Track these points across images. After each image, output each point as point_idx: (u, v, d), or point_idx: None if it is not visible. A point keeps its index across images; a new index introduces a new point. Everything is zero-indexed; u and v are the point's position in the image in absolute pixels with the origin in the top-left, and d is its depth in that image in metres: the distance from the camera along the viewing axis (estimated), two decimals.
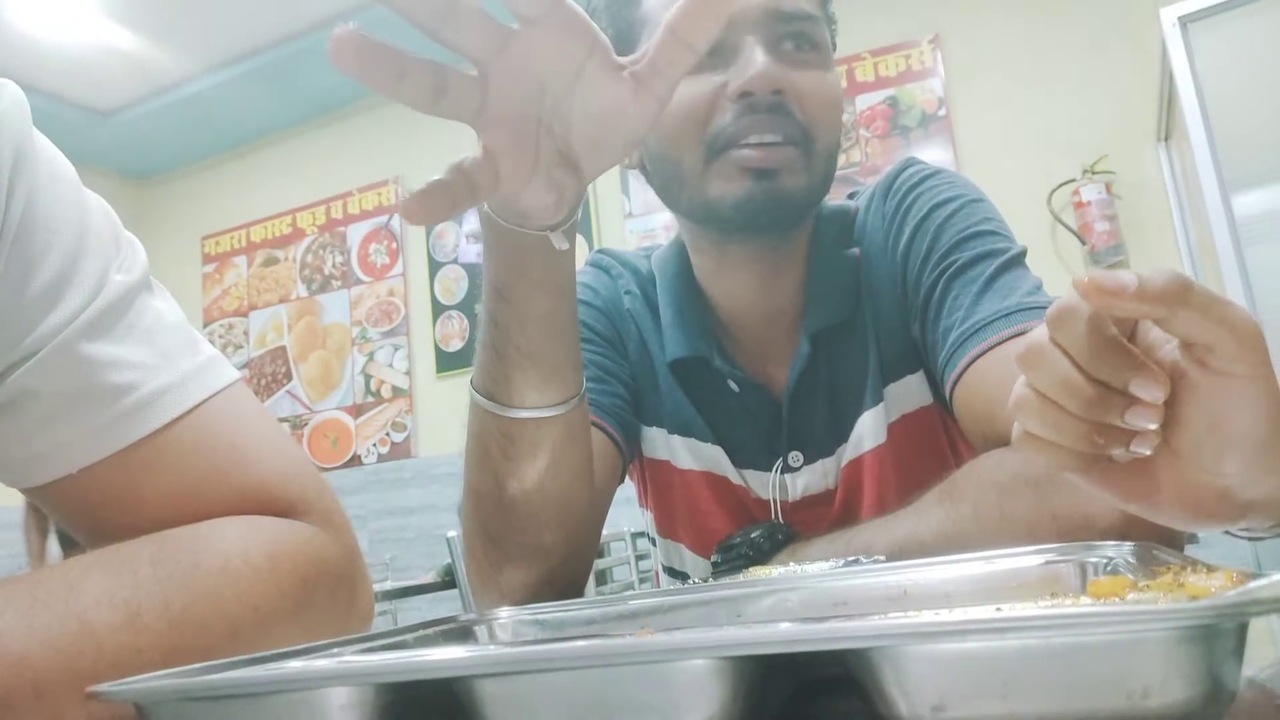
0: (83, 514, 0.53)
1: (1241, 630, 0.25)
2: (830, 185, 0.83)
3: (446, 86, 0.48)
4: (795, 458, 0.87)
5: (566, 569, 0.72)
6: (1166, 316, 0.36)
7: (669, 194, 0.84)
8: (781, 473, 0.88)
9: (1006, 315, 0.71)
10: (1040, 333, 0.38)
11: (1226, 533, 0.44)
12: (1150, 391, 0.36)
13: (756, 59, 0.76)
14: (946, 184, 0.83)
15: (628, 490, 0.93)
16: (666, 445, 0.91)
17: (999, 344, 0.70)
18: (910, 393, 0.84)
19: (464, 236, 4.17)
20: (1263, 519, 0.41)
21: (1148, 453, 0.38)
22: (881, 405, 0.84)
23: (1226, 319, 0.35)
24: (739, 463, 0.89)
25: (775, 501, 0.88)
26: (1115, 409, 0.37)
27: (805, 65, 0.79)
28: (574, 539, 0.71)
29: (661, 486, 0.94)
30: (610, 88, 0.52)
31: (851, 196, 0.92)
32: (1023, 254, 0.78)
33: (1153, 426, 0.37)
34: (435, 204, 0.48)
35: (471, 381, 0.67)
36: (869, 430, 0.84)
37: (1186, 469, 0.39)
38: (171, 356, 0.54)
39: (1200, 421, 0.38)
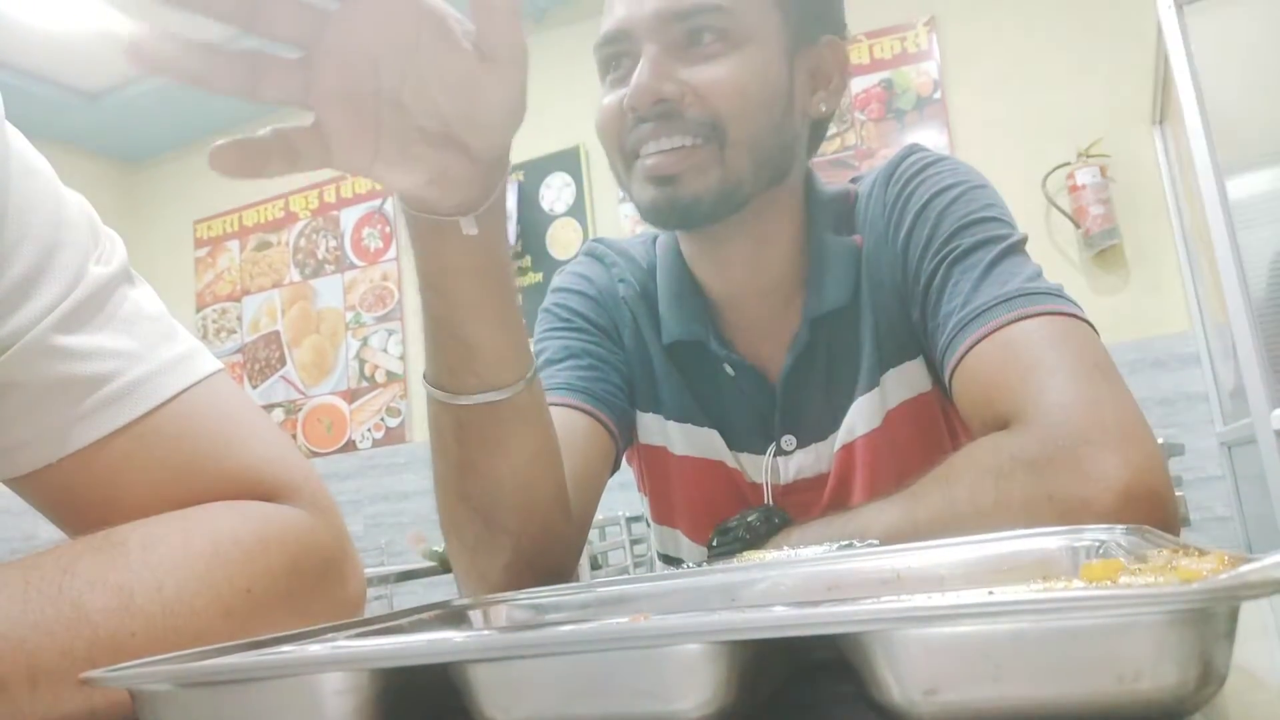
0: (65, 504, 0.53)
1: (1233, 614, 0.25)
2: (775, 165, 0.82)
3: (261, 74, 0.46)
4: (789, 441, 0.88)
5: (545, 554, 0.71)
6: None
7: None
8: (775, 456, 0.88)
9: (1006, 301, 0.71)
10: None
11: None
12: None
13: (638, 73, 0.77)
14: (949, 171, 0.83)
15: (622, 475, 0.94)
16: (662, 431, 0.91)
17: (998, 329, 0.70)
18: (910, 379, 0.84)
19: None
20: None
21: None
22: (877, 391, 0.84)
23: None
24: (734, 446, 0.90)
25: (767, 485, 0.88)
26: None
27: (710, 58, 0.78)
28: (544, 523, 0.70)
29: (658, 472, 0.94)
30: (455, 61, 0.49)
31: (854, 181, 0.92)
32: (1023, 241, 0.78)
33: None
34: (246, 159, 0.46)
35: (424, 372, 0.67)
36: (863, 415, 0.84)
37: None
38: (151, 346, 0.54)
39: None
